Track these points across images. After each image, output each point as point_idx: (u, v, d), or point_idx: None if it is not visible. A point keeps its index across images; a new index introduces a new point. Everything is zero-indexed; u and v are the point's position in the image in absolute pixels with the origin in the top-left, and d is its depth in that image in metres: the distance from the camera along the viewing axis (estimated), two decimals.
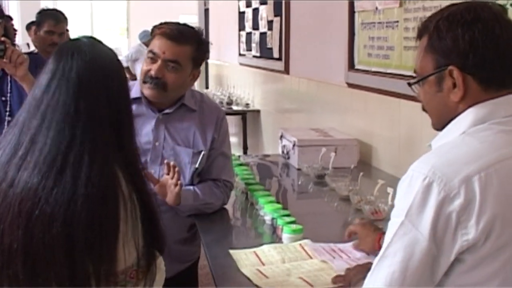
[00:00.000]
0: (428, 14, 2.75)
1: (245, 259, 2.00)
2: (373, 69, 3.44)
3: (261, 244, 2.14)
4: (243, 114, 6.48)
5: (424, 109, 1.57)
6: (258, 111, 6.34)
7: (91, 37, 1.61)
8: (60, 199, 1.35)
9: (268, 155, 4.07)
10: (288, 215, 2.31)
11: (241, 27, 7.02)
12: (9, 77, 2.77)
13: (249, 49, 6.67)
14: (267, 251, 2.06)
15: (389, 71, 3.24)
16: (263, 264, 1.97)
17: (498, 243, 1.29)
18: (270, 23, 5.70)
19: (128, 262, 1.40)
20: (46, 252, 1.34)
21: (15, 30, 5.64)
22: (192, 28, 2.52)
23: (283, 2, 5.19)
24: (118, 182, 1.41)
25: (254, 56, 6.41)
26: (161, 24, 2.51)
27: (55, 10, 4.50)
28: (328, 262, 1.96)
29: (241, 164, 3.26)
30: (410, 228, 1.30)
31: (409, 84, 1.55)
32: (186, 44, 2.44)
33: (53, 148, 1.39)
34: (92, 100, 1.44)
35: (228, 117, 7.46)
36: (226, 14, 7.96)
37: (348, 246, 2.14)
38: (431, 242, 1.29)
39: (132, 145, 1.53)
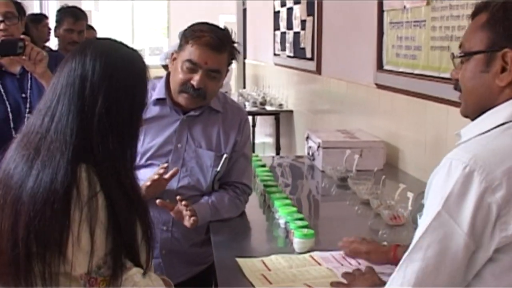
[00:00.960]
0: (456, 12, 2.70)
1: (251, 265, 1.94)
2: (401, 69, 3.35)
3: (272, 250, 2.09)
4: (276, 115, 6.42)
5: (456, 88, 1.48)
6: (291, 112, 6.27)
7: (111, 39, 1.60)
8: (12, 191, 1.38)
9: (300, 156, 4.00)
10: (301, 219, 2.25)
11: (276, 27, 6.96)
12: (29, 74, 2.78)
13: (283, 49, 6.61)
14: (274, 259, 2.00)
15: (416, 71, 3.14)
16: (269, 270, 1.91)
17: None
18: (303, 23, 5.63)
19: (82, 267, 1.35)
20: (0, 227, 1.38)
21: (50, 29, 5.68)
22: (224, 30, 2.45)
23: (316, 1, 5.11)
24: (76, 182, 1.36)
25: (288, 56, 6.35)
26: (195, 30, 2.40)
27: (74, 7, 4.51)
28: (333, 270, 1.89)
29: (262, 166, 3.21)
30: (447, 220, 1.22)
31: (453, 57, 1.47)
32: (225, 51, 2.40)
33: (36, 137, 1.42)
34: (89, 99, 1.43)
35: (261, 117, 7.54)
36: (263, 13, 7.92)
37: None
38: (469, 236, 1.21)
39: (125, 149, 1.48)
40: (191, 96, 2.39)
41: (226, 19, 13.24)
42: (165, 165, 2.32)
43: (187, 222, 2.30)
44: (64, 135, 1.39)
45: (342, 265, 1.95)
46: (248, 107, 6.76)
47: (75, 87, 1.43)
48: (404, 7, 3.26)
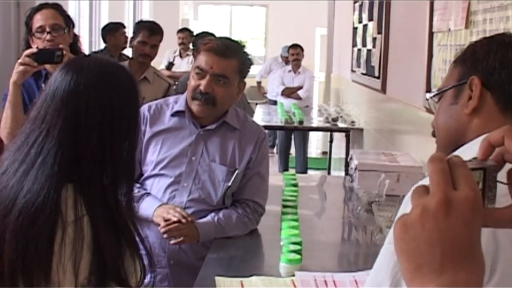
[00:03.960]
0: None
1: (228, 285, 1.94)
2: None
3: (263, 271, 2.08)
4: (347, 132, 6.34)
5: (433, 135, 1.43)
6: (361, 130, 6.17)
7: (100, 55, 1.63)
8: (2, 207, 1.39)
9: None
10: (298, 243, 2.21)
11: (354, 43, 6.88)
12: None
13: (358, 65, 6.53)
14: (254, 282, 1.98)
15: None
16: None
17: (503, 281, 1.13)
18: (374, 40, 5.54)
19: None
20: None
21: (127, 38, 5.90)
22: (235, 42, 2.55)
23: (383, 19, 5.02)
24: (59, 203, 1.37)
25: (362, 73, 6.26)
26: (205, 39, 2.54)
27: (152, 22, 4.63)
28: None
29: (294, 185, 3.19)
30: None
31: (427, 99, 1.45)
32: (232, 57, 2.46)
33: (30, 151, 1.43)
34: (68, 114, 1.44)
35: (335, 133, 7.44)
36: (344, 29, 7.85)
37: (347, 277, 2.02)
38: None
39: (117, 173, 1.47)
40: (201, 102, 2.44)
41: (322, 32, 13.24)
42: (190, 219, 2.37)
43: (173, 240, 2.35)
44: (53, 155, 1.40)
45: None
46: (322, 123, 6.71)
47: (68, 108, 1.43)
48: (449, 29, 3.15)
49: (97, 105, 1.45)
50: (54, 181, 1.38)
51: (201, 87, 2.42)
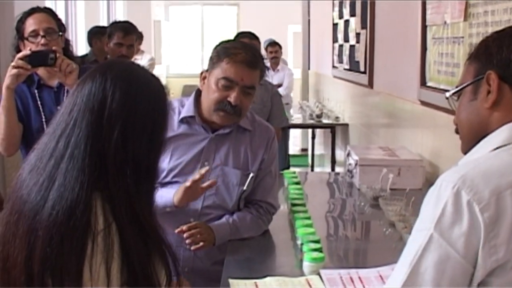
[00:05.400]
0: (491, 30, 2.60)
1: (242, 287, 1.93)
2: (442, 86, 3.25)
3: (281, 271, 2.07)
4: (332, 128, 6.36)
5: (457, 131, 1.47)
6: (346, 125, 6.20)
7: (132, 63, 1.59)
8: (26, 220, 1.35)
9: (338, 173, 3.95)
10: (317, 241, 2.21)
11: (335, 39, 6.91)
12: (65, 89, 2.85)
13: (341, 61, 6.55)
14: (268, 283, 1.98)
15: None
16: None
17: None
18: (358, 36, 5.57)
19: None
20: (13, 257, 1.36)
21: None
22: (255, 44, 2.48)
23: (368, 14, 5.04)
24: (92, 213, 1.34)
25: (345, 69, 6.28)
26: (228, 47, 2.42)
27: (126, 22, 4.58)
28: None
29: (296, 183, 3.18)
30: (441, 242, 1.20)
31: (447, 98, 1.48)
32: (258, 68, 2.42)
33: (51, 162, 1.39)
34: (95, 108, 1.40)
35: (320, 130, 7.47)
36: (323, 25, 7.87)
37: (372, 272, 2.02)
38: (464, 257, 1.18)
39: (140, 180, 1.43)
40: (228, 113, 2.38)
41: (295, 30, 13.27)
42: (203, 170, 2.29)
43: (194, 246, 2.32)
44: (80, 163, 1.36)
45: None
46: (303, 120, 6.73)
47: (93, 113, 1.39)
48: (445, 22, 3.17)
49: (121, 102, 1.41)
50: (87, 194, 1.35)
51: (231, 100, 2.35)
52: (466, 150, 1.42)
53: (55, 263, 1.31)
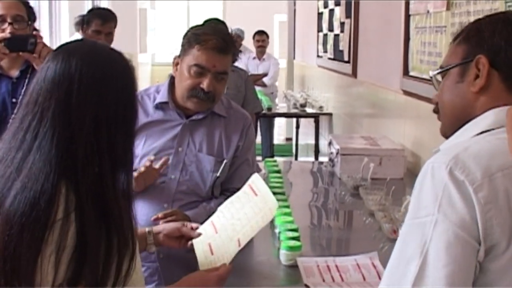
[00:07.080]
0: (472, 19, 2.59)
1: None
2: (424, 76, 3.24)
3: (258, 259, 2.05)
4: (316, 117, 6.35)
5: (435, 110, 1.46)
6: (330, 115, 6.19)
7: (92, 41, 1.54)
8: (1, 192, 1.31)
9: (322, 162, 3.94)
10: (295, 230, 2.19)
11: (319, 28, 6.89)
12: (26, 81, 2.74)
13: (325, 50, 6.53)
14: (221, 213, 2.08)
15: None
16: (216, 232, 1.97)
17: None
18: (342, 25, 5.55)
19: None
20: None
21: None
22: (224, 28, 2.46)
23: (353, 3, 5.02)
24: (56, 201, 1.28)
25: (329, 58, 6.27)
26: (199, 34, 2.38)
27: (104, 9, 4.51)
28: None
29: (277, 171, 3.16)
30: (447, 225, 1.16)
31: (431, 77, 1.45)
32: (230, 52, 2.40)
33: (18, 154, 1.34)
34: (61, 95, 1.33)
35: (301, 119, 7.47)
36: (308, 14, 7.85)
37: (349, 261, 2.01)
38: (470, 235, 1.16)
39: (114, 169, 1.37)
40: (202, 100, 2.37)
41: (281, 19, 13.24)
42: (152, 157, 2.31)
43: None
44: (46, 154, 1.31)
45: (324, 280, 1.89)
46: (287, 109, 6.72)
47: (60, 101, 1.33)
48: (428, 11, 3.16)
49: (90, 86, 1.34)
50: (53, 184, 1.29)
51: (203, 86, 2.33)
52: (445, 131, 1.41)
53: (13, 252, 1.26)
